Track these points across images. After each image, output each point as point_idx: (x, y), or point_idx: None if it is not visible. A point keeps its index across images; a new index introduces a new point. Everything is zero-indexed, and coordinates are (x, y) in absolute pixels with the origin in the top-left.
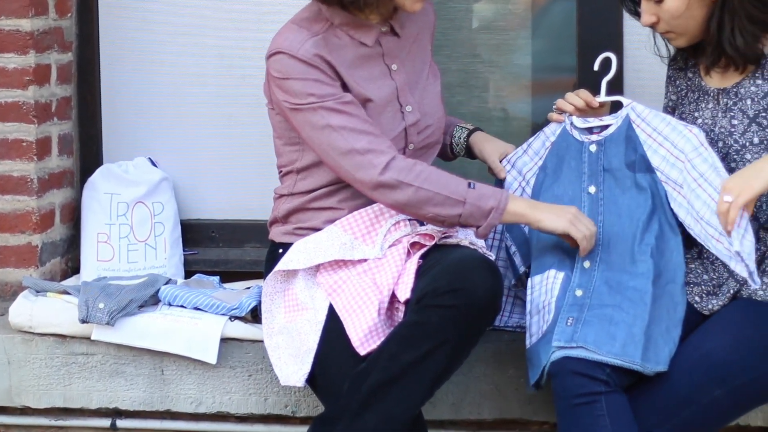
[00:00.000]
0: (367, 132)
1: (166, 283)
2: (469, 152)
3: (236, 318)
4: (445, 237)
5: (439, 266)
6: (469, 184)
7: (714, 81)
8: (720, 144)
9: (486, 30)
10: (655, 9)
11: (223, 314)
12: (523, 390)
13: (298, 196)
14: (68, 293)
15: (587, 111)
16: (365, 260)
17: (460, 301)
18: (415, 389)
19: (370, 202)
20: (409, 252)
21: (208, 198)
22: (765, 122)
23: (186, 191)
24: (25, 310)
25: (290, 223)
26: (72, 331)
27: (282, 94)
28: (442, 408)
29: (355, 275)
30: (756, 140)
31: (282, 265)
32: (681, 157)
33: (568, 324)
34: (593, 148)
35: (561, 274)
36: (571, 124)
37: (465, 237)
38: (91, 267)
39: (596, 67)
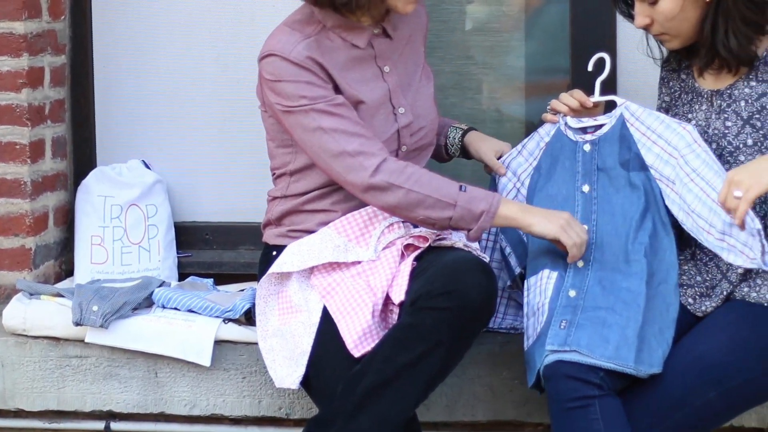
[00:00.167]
0: (359, 134)
1: (160, 286)
2: (465, 152)
3: (230, 320)
4: (439, 239)
5: (433, 268)
6: (461, 187)
7: (707, 83)
8: (714, 146)
9: (479, 32)
10: (649, 11)
11: (217, 317)
12: (517, 392)
13: (292, 199)
14: (62, 296)
15: (581, 111)
16: (359, 262)
17: (454, 303)
18: (409, 391)
19: (364, 204)
20: (402, 254)
21: (202, 200)
22: (759, 124)
23: (180, 194)
24: (18, 312)
25: (284, 226)
26: (66, 333)
27: (274, 96)
28: (436, 410)
29: (349, 277)
30: (750, 142)
31: (276, 267)
32: (675, 154)
33: (562, 327)
34: (587, 147)
35: (554, 274)
36: (566, 124)
37: (459, 239)
38: (84, 270)
39: (590, 68)
